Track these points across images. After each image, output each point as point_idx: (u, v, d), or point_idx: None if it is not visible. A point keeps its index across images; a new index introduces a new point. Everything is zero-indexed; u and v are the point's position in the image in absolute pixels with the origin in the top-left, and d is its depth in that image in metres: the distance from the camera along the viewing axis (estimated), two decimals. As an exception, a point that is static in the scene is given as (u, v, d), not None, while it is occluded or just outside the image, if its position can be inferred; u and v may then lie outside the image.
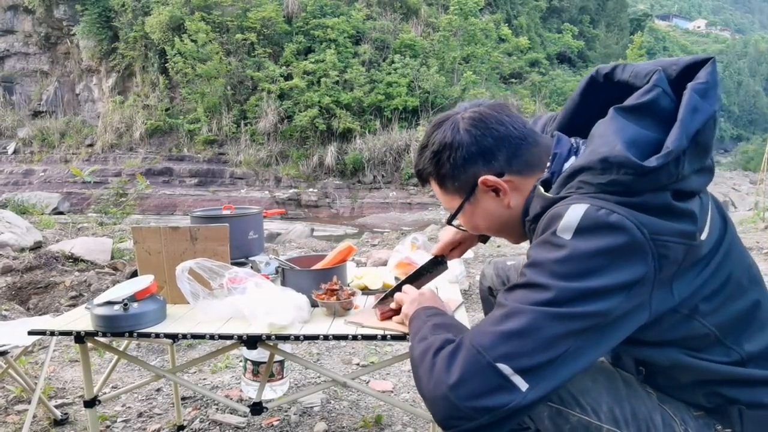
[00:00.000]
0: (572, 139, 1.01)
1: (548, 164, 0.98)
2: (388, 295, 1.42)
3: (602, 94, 0.98)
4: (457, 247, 1.43)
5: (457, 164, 1.01)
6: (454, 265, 1.71)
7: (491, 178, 0.99)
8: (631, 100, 0.88)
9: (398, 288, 1.39)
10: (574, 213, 0.82)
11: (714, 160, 0.91)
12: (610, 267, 0.79)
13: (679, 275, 0.84)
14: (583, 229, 0.81)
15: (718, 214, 0.95)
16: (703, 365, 0.92)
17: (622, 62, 0.98)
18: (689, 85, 0.84)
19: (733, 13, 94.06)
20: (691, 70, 0.88)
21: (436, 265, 1.45)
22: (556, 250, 0.82)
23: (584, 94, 1.02)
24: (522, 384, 0.79)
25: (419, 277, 1.45)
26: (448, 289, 1.69)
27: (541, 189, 0.95)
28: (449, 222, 1.17)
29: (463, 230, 1.18)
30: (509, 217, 1.04)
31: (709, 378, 0.94)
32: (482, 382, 0.80)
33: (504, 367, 0.79)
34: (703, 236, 0.86)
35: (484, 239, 1.41)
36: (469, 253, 1.83)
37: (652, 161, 0.80)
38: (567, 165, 0.96)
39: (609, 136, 0.86)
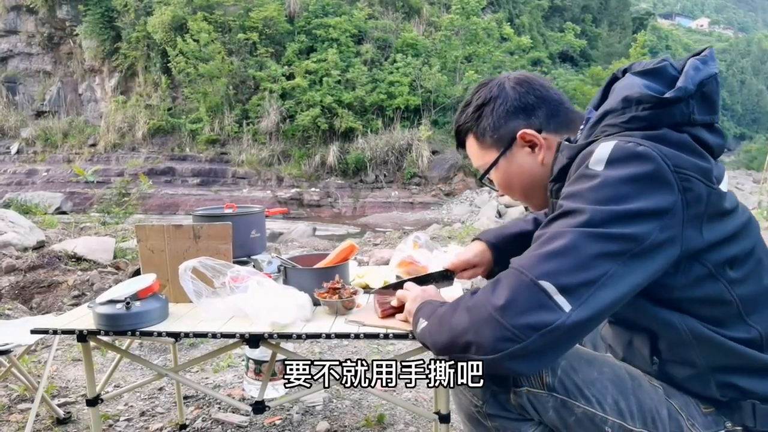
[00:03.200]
0: None
1: (581, 127, 1.06)
2: (390, 287, 1.42)
3: None
4: (471, 269, 1.42)
5: (500, 116, 1.09)
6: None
7: (530, 132, 1.07)
8: (643, 67, 1.00)
9: (401, 285, 1.39)
10: (604, 148, 0.88)
11: (723, 130, 0.98)
12: (640, 193, 0.84)
13: (707, 218, 0.87)
14: (613, 160, 0.87)
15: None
16: (722, 340, 0.91)
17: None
18: (690, 58, 0.96)
19: (736, 11, 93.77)
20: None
21: (444, 278, 1.44)
22: (590, 180, 0.88)
23: (606, 89, 1.08)
24: (565, 304, 0.81)
25: (423, 282, 1.42)
26: (453, 286, 1.68)
27: (566, 143, 1.02)
28: (482, 178, 1.18)
29: (494, 189, 1.20)
30: (541, 176, 1.09)
31: (726, 363, 0.93)
32: (526, 299, 0.83)
33: (546, 285, 0.82)
34: (723, 187, 0.91)
35: (490, 275, 1.41)
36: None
37: (667, 94, 0.90)
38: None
39: (627, 85, 0.97)
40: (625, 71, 1.04)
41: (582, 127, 1.05)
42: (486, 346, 0.85)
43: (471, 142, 1.15)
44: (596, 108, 1.05)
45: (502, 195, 1.20)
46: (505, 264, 1.41)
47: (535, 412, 0.98)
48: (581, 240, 0.83)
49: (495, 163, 1.12)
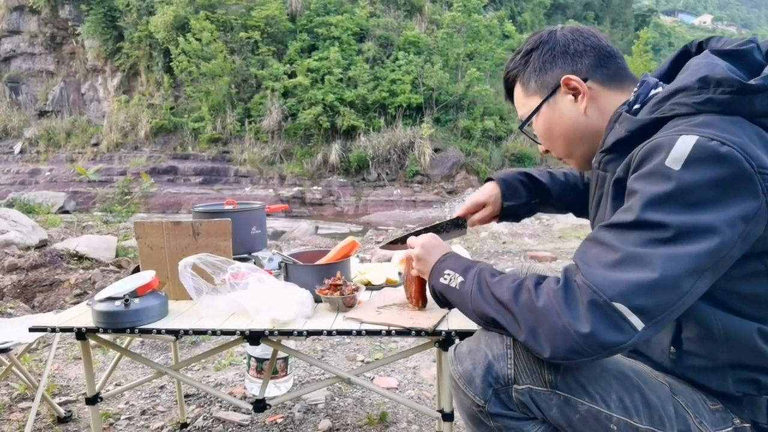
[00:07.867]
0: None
1: (635, 88, 1.00)
2: (398, 240, 1.40)
3: None
4: (482, 212, 1.42)
5: (545, 60, 1.07)
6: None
7: (574, 78, 1.03)
8: (725, 47, 0.91)
9: (406, 238, 1.34)
10: (684, 143, 0.80)
11: None
12: (722, 200, 0.78)
13: None
14: (693, 160, 0.79)
15: None
16: (757, 342, 0.89)
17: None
18: None
19: (739, 8, 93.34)
20: None
21: (456, 226, 1.42)
22: (666, 182, 0.80)
23: (675, 62, 1.01)
24: (638, 323, 0.80)
25: (434, 232, 1.37)
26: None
27: (627, 114, 0.95)
28: (522, 126, 1.15)
29: (537, 141, 1.16)
30: (584, 127, 1.06)
31: (752, 362, 0.90)
32: (601, 322, 0.81)
33: (621, 306, 0.80)
34: None
35: (501, 217, 1.41)
36: (466, 252, 1.79)
37: (752, 80, 0.82)
38: (654, 92, 0.96)
39: (706, 63, 0.88)
40: (700, 45, 0.98)
41: (636, 90, 0.99)
42: (555, 353, 0.85)
43: (517, 90, 1.13)
44: (660, 78, 1.00)
45: (546, 151, 1.16)
46: (513, 200, 1.40)
47: (539, 410, 0.96)
48: (662, 262, 0.79)
49: (537, 109, 1.09)
